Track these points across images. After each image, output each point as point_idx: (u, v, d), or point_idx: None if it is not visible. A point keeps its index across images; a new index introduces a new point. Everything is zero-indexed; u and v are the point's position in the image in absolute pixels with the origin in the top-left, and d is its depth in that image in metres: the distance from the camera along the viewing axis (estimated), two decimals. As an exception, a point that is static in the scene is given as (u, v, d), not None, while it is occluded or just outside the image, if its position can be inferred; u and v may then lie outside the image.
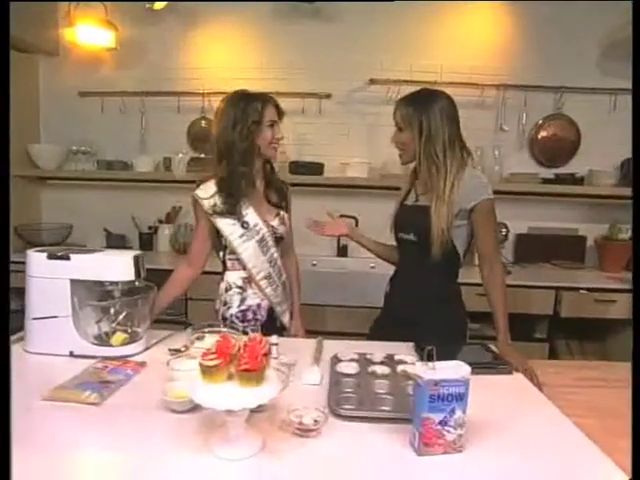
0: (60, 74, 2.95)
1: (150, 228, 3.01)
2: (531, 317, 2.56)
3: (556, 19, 2.73)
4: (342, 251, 2.99)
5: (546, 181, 2.76)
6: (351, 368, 1.16)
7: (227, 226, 1.47)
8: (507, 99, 2.82)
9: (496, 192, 2.70)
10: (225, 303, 1.55)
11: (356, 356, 1.24)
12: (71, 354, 1.24)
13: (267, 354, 0.87)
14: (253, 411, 0.98)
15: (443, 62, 2.83)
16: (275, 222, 1.55)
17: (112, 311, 1.28)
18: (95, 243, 2.98)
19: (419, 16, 2.79)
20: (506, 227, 2.66)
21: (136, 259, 1.26)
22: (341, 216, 2.87)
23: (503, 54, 2.82)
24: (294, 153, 2.93)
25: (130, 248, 3.02)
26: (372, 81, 2.84)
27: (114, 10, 2.73)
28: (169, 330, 1.47)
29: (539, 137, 2.84)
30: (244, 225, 1.48)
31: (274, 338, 1.26)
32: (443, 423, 0.85)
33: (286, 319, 1.65)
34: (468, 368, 0.86)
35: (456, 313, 1.54)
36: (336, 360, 1.22)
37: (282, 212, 1.59)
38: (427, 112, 1.41)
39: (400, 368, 1.16)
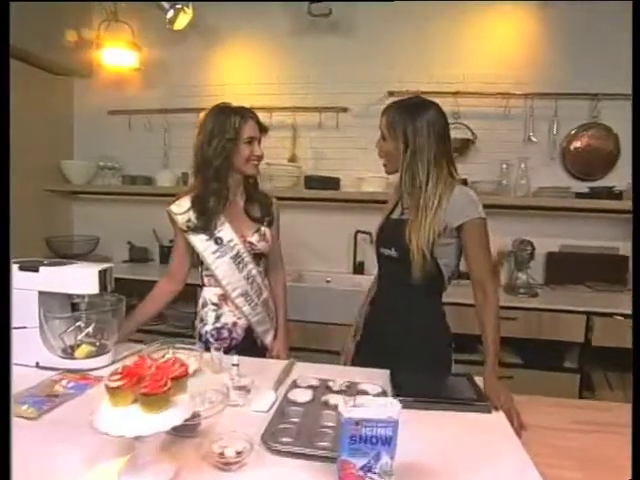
0: (92, 94, 3.12)
1: (171, 241, 3.06)
2: (560, 344, 2.33)
3: (587, 22, 2.53)
4: (359, 268, 2.89)
5: (579, 195, 2.53)
6: (304, 395, 1.07)
7: (200, 242, 1.45)
8: (535, 108, 2.64)
9: (522, 207, 2.61)
10: (201, 320, 1.52)
11: (316, 382, 1.16)
12: (37, 365, 1.25)
13: (182, 377, 0.82)
14: (185, 436, 0.93)
15: (466, 71, 2.70)
16: (254, 238, 1.51)
17: (79, 324, 1.28)
18: (119, 256, 3.09)
19: (440, 24, 2.69)
20: (531, 245, 2.46)
21: (101, 273, 1.25)
22: (357, 232, 2.83)
23: (531, 60, 2.65)
24: (310, 168, 2.90)
25: (152, 261, 3.11)
26: (390, 93, 2.75)
27: (140, 31, 2.86)
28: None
29: (571, 148, 2.62)
30: (217, 241, 1.45)
31: (235, 359, 1.20)
32: (366, 469, 0.75)
33: (268, 339, 1.58)
34: (398, 407, 0.76)
35: (438, 337, 1.41)
36: (293, 386, 1.14)
37: (263, 227, 1.54)
38: (414, 124, 1.32)
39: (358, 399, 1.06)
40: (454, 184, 1.35)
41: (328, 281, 2.85)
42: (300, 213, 2.95)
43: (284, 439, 0.90)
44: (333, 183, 2.81)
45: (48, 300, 1.27)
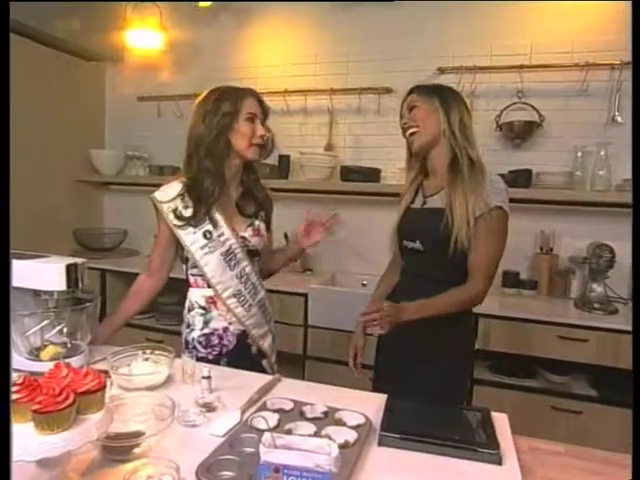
0: (123, 80, 3.23)
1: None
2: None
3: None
4: (400, 271, 2.73)
5: (679, 190, 2.18)
6: (265, 422, 0.97)
7: (187, 235, 1.40)
8: (624, 81, 2.31)
9: (601, 204, 2.30)
10: (188, 325, 1.47)
11: (289, 406, 1.05)
12: (4, 365, 1.26)
13: (94, 391, 0.76)
14: (117, 459, 0.88)
15: (533, 40, 2.45)
16: (247, 233, 1.44)
17: (44, 322, 1.27)
18: (146, 249, 3.16)
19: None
20: (611, 251, 2.16)
21: (70, 268, 1.24)
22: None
23: (621, 21, 2.32)
24: (347, 157, 2.79)
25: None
26: (441, 70, 2.57)
27: (169, 12, 2.91)
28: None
29: (670, 131, 2.27)
30: (206, 235, 1.39)
31: (205, 371, 1.14)
32: (288, 528, 0.64)
33: (266, 344, 1.51)
34: (333, 453, 0.64)
35: (459, 345, 1.37)
36: (262, 408, 1.05)
37: (257, 222, 1.47)
38: (446, 88, 1.45)
39: (328, 430, 0.95)
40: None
41: (364, 284, 2.72)
42: (335, 208, 2.84)
43: (222, 473, 0.82)
44: (373, 174, 2.67)
45: (23, 296, 1.27)
